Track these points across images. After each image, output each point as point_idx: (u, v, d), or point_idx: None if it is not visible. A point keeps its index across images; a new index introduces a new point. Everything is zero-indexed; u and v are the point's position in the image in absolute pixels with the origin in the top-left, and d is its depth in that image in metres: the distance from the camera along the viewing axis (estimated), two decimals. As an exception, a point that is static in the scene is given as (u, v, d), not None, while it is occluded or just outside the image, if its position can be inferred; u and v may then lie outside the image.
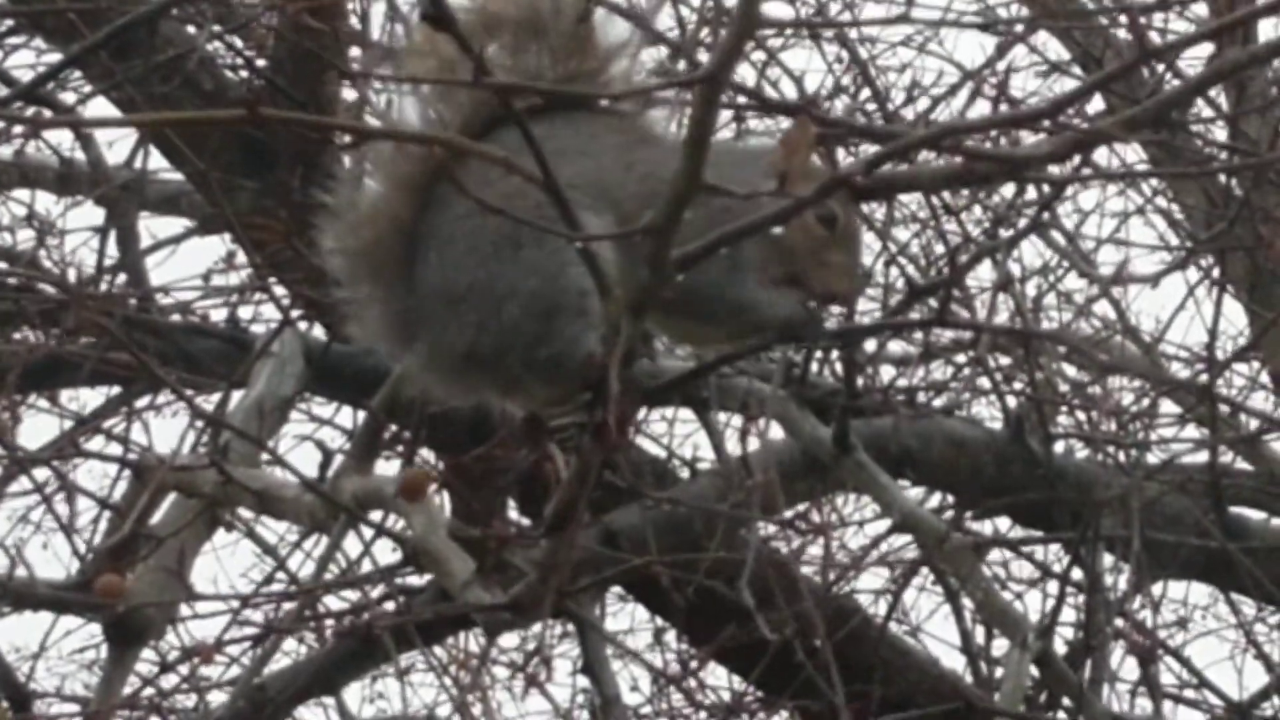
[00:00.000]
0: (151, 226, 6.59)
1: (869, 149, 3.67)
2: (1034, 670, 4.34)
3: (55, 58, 5.70)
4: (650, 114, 3.17)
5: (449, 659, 6.06)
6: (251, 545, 5.97)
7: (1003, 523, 5.84)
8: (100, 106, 5.74)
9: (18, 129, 6.00)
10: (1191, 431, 5.86)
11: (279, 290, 5.34)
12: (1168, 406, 6.18)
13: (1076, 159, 4.14)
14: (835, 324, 3.28)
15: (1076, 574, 5.12)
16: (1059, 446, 5.54)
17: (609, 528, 5.00)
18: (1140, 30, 4.90)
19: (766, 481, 4.63)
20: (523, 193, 2.81)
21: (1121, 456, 5.47)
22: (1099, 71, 5.90)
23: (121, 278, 5.93)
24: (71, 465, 5.97)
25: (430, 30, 2.58)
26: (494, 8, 3.11)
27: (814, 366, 4.93)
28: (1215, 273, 5.99)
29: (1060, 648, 4.89)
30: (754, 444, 4.92)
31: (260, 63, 5.70)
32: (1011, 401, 5.59)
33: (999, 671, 5.34)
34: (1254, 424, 5.79)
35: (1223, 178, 5.99)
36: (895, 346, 6.20)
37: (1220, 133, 5.87)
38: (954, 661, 5.71)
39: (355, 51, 5.54)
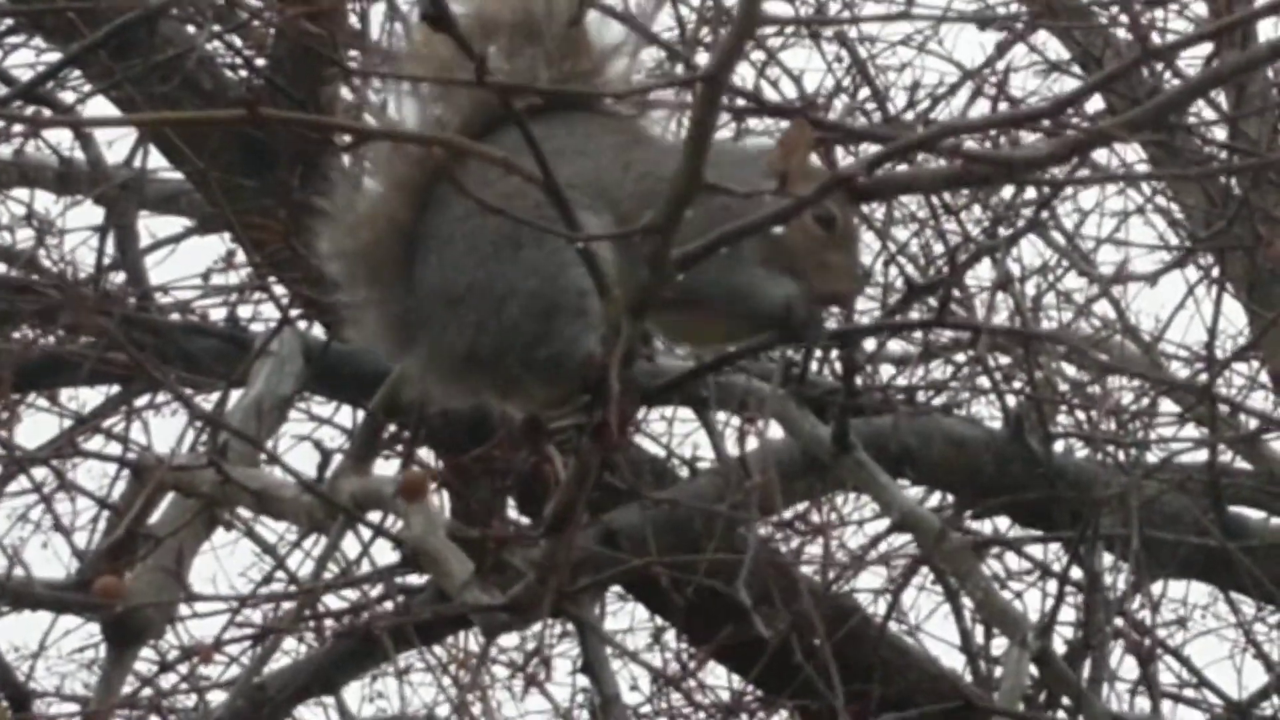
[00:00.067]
0: (151, 226, 6.61)
1: (869, 149, 3.66)
2: (1033, 669, 4.33)
3: (54, 57, 5.69)
4: (647, 115, 3.17)
5: (448, 658, 6.07)
6: (250, 545, 5.97)
7: (1002, 521, 5.84)
8: (99, 106, 5.75)
9: (17, 128, 6.00)
10: (1191, 431, 5.86)
11: (278, 289, 5.34)
12: (1167, 406, 6.18)
13: (1076, 159, 4.13)
14: (835, 324, 3.27)
15: (1076, 573, 5.12)
16: (1058, 446, 5.54)
17: (608, 527, 4.99)
18: (1140, 30, 4.90)
19: (765, 481, 4.62)
20: (522, 193, 2.81)
21: (1121, 456, 5.47)
22: (1099, 71, 5.90)
23: (121, 277, 5.92)
24: (70, 464, 5.97)
25: (430, 31, 2.58)
26: (490, 11, 3.11)
27: (813, 365, 4.92)
28: (1215, 272, 5.99)
29: (1060, 647, 4.89)
30: (753, 443, 4.92)
31: (260, 62, 5.70)
32: (1011, 401, 5.59)
33: (998, 670, 5.33)
34: (1253, 423, 5.78)
35: (1222, 178, 5.99)
36: (895, 346, 6.20)
37: (1220, 133, 5.87)
38: (953, 661, 5.71)
39: (355, 52, 5.54)
